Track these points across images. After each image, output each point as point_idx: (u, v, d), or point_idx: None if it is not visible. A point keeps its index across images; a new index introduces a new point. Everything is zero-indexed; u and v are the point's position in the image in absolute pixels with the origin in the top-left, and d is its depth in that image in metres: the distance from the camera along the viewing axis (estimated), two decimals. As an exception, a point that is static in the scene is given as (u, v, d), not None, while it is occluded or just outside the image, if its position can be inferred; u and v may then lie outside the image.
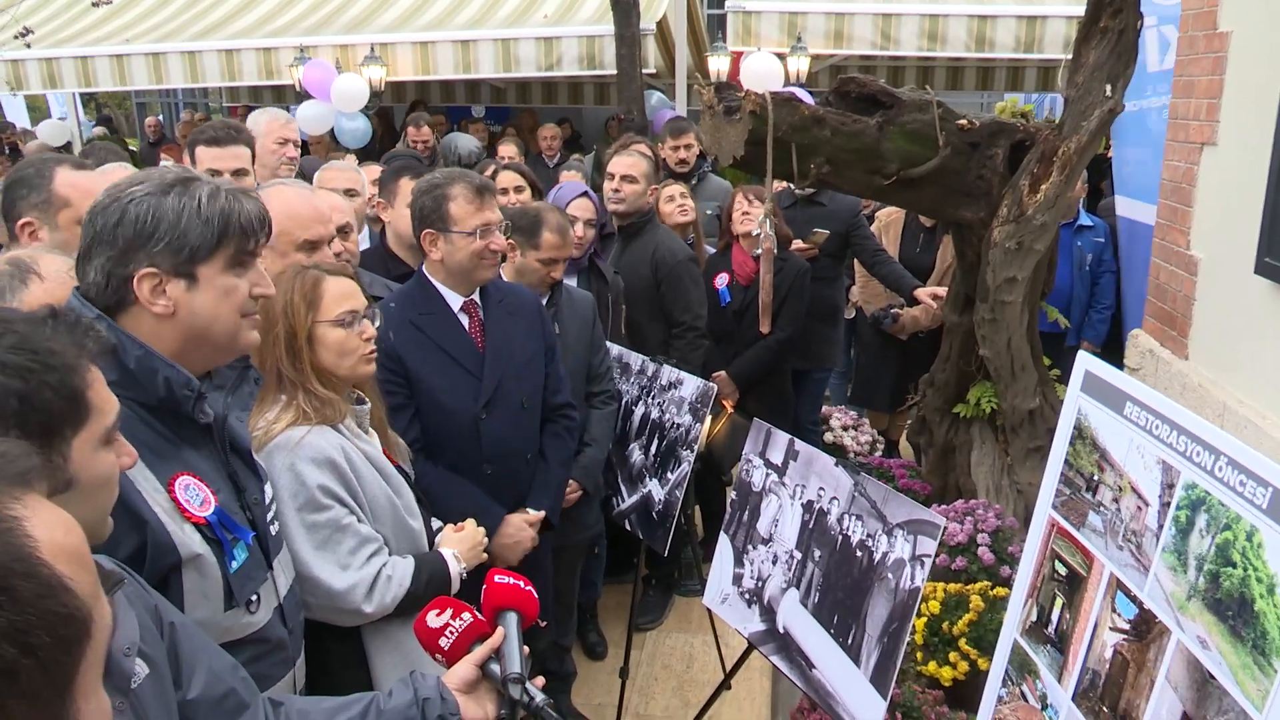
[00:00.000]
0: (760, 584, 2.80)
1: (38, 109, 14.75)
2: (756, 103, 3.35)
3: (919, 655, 3.68)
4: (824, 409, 5.76)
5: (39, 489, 0.81)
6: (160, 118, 14.60)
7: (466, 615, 1.60)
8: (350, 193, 3.44)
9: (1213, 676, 1.40)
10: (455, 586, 2.30)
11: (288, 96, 10.29)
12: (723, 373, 4.61)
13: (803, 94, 5.65)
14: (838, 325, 5.40)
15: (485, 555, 2.49)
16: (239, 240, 1.64)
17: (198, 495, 1.63)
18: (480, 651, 1.59)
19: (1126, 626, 1.63)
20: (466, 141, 6.83)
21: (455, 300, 2.92)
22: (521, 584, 1.67)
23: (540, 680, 1.62)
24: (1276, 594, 1.30)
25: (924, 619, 3.70)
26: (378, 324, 2.28)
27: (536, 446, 3.07)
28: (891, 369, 5.34)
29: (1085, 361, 1.85)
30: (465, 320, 2.94)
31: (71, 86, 9.70)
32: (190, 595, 1.59)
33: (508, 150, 7.26)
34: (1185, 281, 4.02)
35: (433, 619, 1.59)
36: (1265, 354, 3.32)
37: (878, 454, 5.63)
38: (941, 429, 4.60)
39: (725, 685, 3.88)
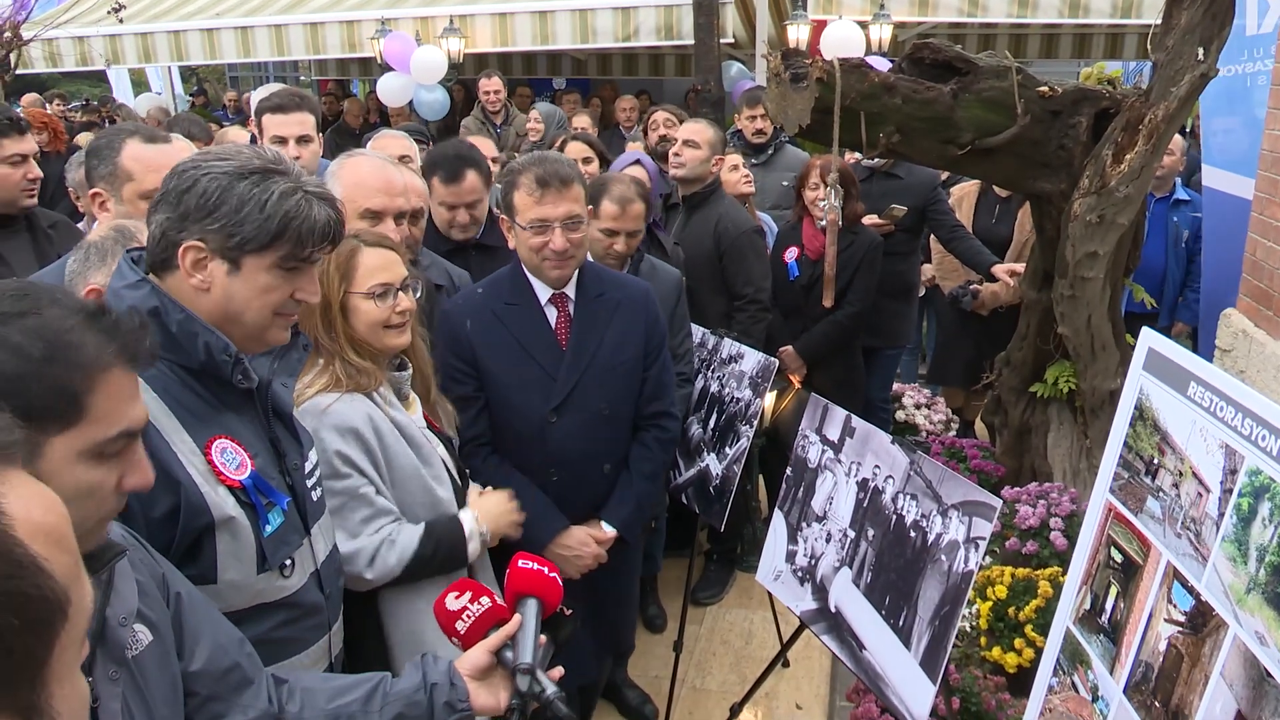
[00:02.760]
0: (813, 562, 2.75)
1: (140, 83, 15.23)
2: (824, 70, 3.26)
3: (983, 640, 3.58)
4: (896, 386, 5.63)
5: (19, 464, 0.78)
6: (246, 92, 14.97)
7: (486, 600, 1.57)
8: (404, 159, 3.44)
9: (1270, 675, 1.32)
10: (474, 547, 2.27)
11: (371, 69, 10.44)
12: (789, 348, 4.54)
13: (880, 62, 5.49)
14: (911, 302, 5.26)
15: (517, 530, 2.44)
16: (293, 245, 1.63)
17: (234, 459, 1.64)
18: (495, 638, 1.55)
19: (1182, 619, 1.55)
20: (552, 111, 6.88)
21: (544, 292, 2.73)
22: (546, 570, 1.63)
23: (557, 671, 1.57)
24: (1340, 590, 1.21)
25: (990, 603, 3.60)
26: (419, 296, 2.27)
27: (619, 456, 2.83)
28: (969, 346, 5.18)
29: (1149, 338, 1.75)
30: (553, 314, 2.74)
31: (165, 60, 9.99)
32: (223, 557, 1.60)
33: (581, 122, 7.25)
34: (1283, 258, 3.80)
35: (451, 601, 1.57)
36: (1365, 336, 3.12)
37: (952, 433, 5.49)
38: (1018, 409, 4.45)
39: (782, 663, 3.85)
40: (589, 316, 2.74)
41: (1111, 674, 1.72)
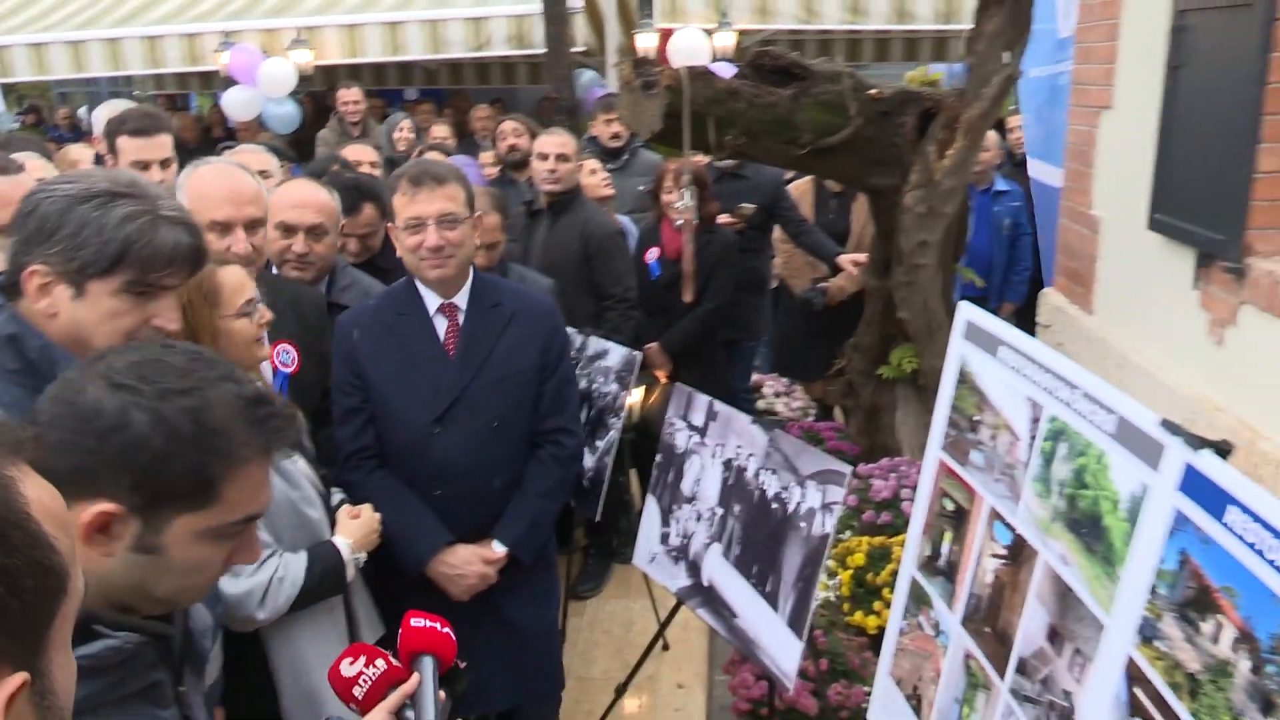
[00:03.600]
0: (686, 541, 2.92)
1: (-47, 103, 14.28)
2: (672, 77, 3.45)
3: (846, 606, 3.84)
4: (757, 377, 5.91)
5: (29, 461, 0.83)
6: (80, 108, 14.25)
7: (381, 662, 1.55)
8: (263, 174, 3.41)
9: (1071, 589, 1.54)
10: (351, 573, 2.28)
11: (212, 82, 10.14)
12: (654, 344, 4.72)
13: (725, 68, 5.75)
14: (764, 295, 5.54)
15: (378, 540, 2.42)
16: (138, 270, 1.59)
17: None
18: (393, 699, 1.53)
19: (1004, 552, 1.77)
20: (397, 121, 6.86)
21: (433, 301, 2.68)
22: (438, 626, 1.62)
23: None
24: (1119, 510, 1.44)
25: (850, 571, 3.86)
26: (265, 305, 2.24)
27: (512, 472, 2.72)
28: (810, 338, 5.48)
29: (965, 311, 1.98)
30: (442, 324, 2.69)
31: (-14, 77, 9.47)
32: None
33: (440, 132, 7.28)
34: (1089, 240, 4.21)
35: (346, 667, 1.54)
36: (1156, 306, 3.51)
37: (810, 418, 5.80)
38: (867, 391, 4.76)
39: (662, 645, 4.02)
40: (480, 326, 2.69)
41: (950, 609, 1.93)
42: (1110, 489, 1.46)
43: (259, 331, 2.20)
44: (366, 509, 2.41)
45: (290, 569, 2.14)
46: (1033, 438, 1.70)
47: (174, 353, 1.24)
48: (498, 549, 2.69)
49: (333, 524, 2.34)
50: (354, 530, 2.33)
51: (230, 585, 2.03)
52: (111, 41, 8.92)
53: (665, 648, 4.07)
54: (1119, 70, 3.90)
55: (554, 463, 2.78)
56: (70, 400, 1.17)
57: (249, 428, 1.20)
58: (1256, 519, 1.15)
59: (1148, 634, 1.34)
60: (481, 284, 2.75)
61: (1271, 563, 1.12)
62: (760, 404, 5.76)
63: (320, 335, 2.78)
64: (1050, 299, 4.66)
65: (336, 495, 2.48)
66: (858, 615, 3.71)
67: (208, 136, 9.73)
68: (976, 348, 1.92)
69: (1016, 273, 5.74)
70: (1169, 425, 1.33)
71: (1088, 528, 1.51)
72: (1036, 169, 5.34)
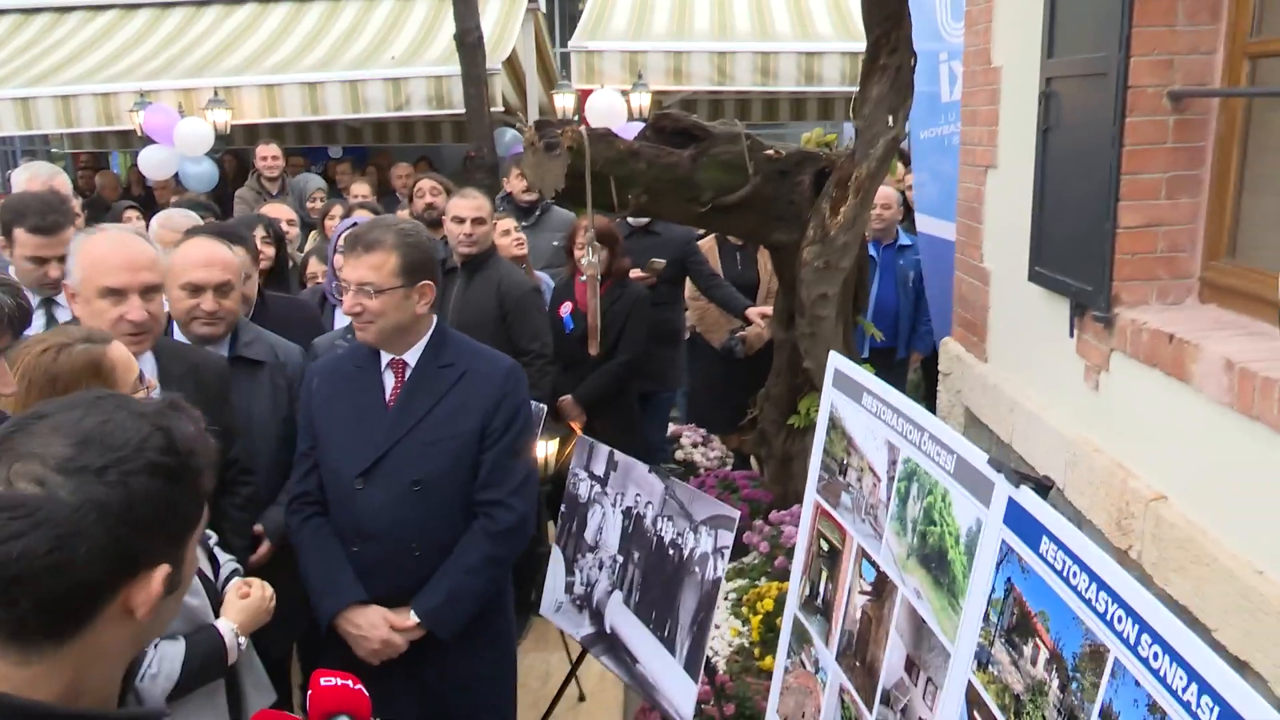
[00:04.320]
0: (589, 589, 2.97)
1: None
2: (574, 138, 3.57)
3: (757, 651, 3.91)
4: (675, 427, 6.01)
5: None
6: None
7: None
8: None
9: (925, 621, 1.64)
10: (233, 658, 2.19)
11: (131, 140, 10.06)
12: (568, 397, 4.80)
13: (635, 129, 5.92)
14: (678, 347, 5.66)
15: (268, 617, 2.32)
16: None
17: None
18: None
19: (869, 589, 1.86)
20: (312, 181, 6.88)
21: (386, 356, 2.67)
22: (350, 684, 1.60)
23: None
24: (960, 544, 1.55)
25: (760, 616, 3.94)
26: (155, 393, 2.19)
27: (435, 540, 2.61)
28: (727, 389, 5.61)
29: (834, 360, 2.09)
30: (390, 380, 2.67)
31: (-111, 136, 9.29)
32: None
33: (360, 190, 7.33)
34: (981, 291, 4.41)
35: None
36: (1039, 353, 3.70)
37: (727, 467, 5.91)
38: (779, 440, 4.88)
39: (579, 697, 4.03)
40: (423, 385, 2.63)
41: (827, 645, 2.02)
42: (953, 524, 1.57)
43: None
44: (257, 586, 2.31)
45: (165, 663, 2.03)
46: (891, 479, 1.81)
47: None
48: (411, 618, 2.58)
49: (219, 601, 2.25)
50: (241, 610, 2.23)
51: None
52: (23, 100, 8.82)
53: (581, 698, 4.09)
54: (1001, 132, 4.14)
55: (484, 536, 2.63)
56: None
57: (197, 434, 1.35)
58: (1063, 548, 1.26)
59: (982, 659, 1.43)
60: (440, 341, 2.69)
61: (1074, 588, 1.23)
62: (679, 454, 5.85)
63: (221, 404, 2.74)
64: (949, 348, 4.85)
65: (229, 565, 2.41)
66: (768, 660, 3.78)
67: (128, 194, 9.64)
68: (844, 395, 2.03)
69: (923, 323, 5.96)
70: (994, 463, 1.44)
71: (936, 562, 1.62)
72: (927, 224, 5.60)
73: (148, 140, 8.76)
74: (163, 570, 1.04)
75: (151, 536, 1.02)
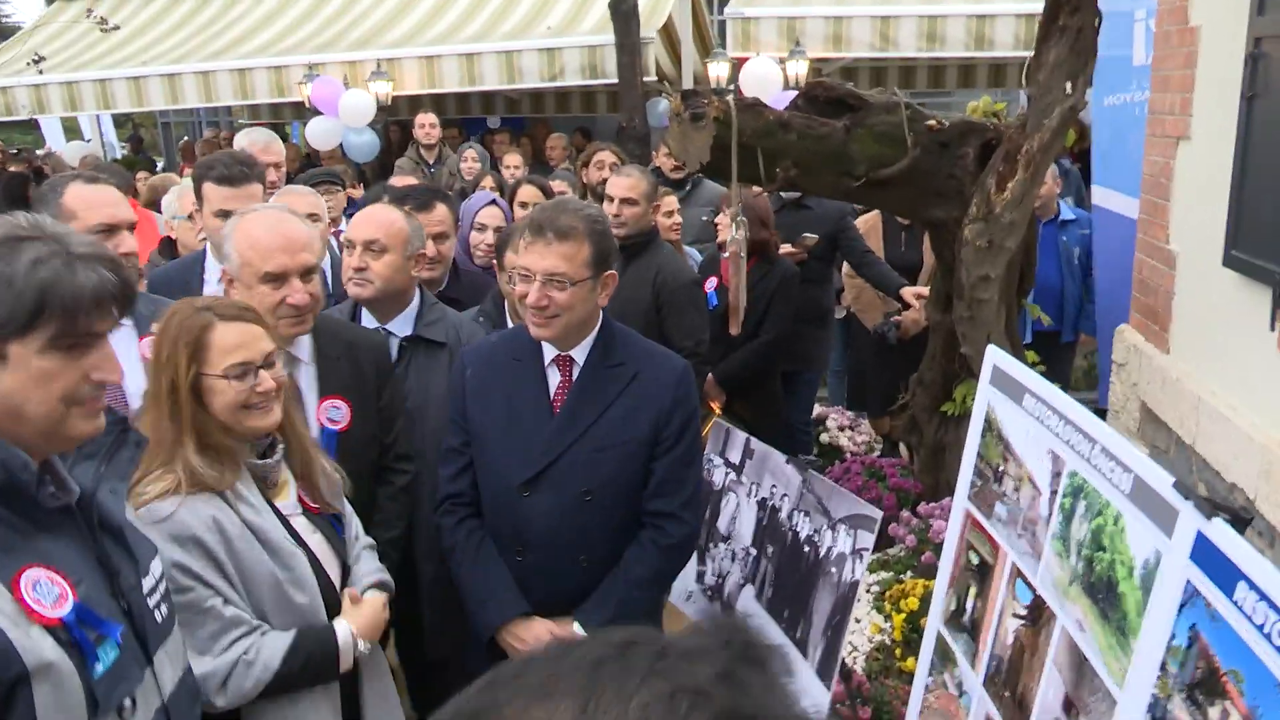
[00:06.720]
0: (721, 580, 2.86)
1: (73, 129, 15.09)
2: (720, 109, 3.41)
3: (898, 651, 3.71)
4: (821, 409, 5.79)
5: None
6: (182, 138, 14.91)
7: None
8: (312, 217, 3.20)
9: (1087, 658, 1.45)
10: (347, 664, 2.08)
11: (304, 112, 10.51)
12: (709, 375, 4.66)
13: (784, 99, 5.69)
14: (827, 327, 5.44)
15: (385, 626, 2.23)
16: (63, 319, 1.39)
17: (50, 591, 1.39)
18: None
19: (1024, 613, 1.67)
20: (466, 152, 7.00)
21: (550, 351, 2.45)
22: None
23: None
24: (1134, 577, 1.35)
25: (904, 615, 3.73)
26: (288, 372, 2.10)
27: (604, 551, 2.45)
28: (880, 372, 5.36)
29: (993, 355, 1.90)
30: (555, 377, 2.46)
31: (92, 109, 9.98)
32: (44, 711, 1.34)
33: (513, 160, 7.37)
34: (1166, 276, 4.02)
35: None
36: (1233, 346, 3.33)
37: (875, 453, 5.65)
38: (931, 428, 4.61)
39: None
40: (593, 386, 2.43)
41: (973, 668, 1.84)
42: (1126, 553, 1.37)
43: (251, 398, 2.00)
44: (371, 595, 2.22)
45: (264, 651, 1.96)
46: (1054, 493, 1.61)
47: None
48: (578, 631, 2.41)
49: (332, 605, 2.14)
50: (359, 614, 2.14)
51: (194, 664, 1.83)
52: (204, 74, 9.30)
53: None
54: (1196, 100, 3.74)
55: (654, 550, 2.45)
56: None
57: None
58: (1265, 599, 1.06)
59: (1157, 714, 1.24)
60: (609, 337, 2.48)
61: (1278, 648, 1.02)
62: (824, 437, 5.63)
63: (377, 387, 2.64)
64: (1126, 336, 4.47)
65: (372, 575, 2.28)
66: (910, 662, 3.57)
67: (310, 162, 10.07)
68: (1002, 394, 1.83)
69: (1093, 303, 5.52)
70: (1182, 488, 1.24)
71: (1103, 593, 1.42)
72: (1105, 197, 5.16)
73: (313, 111, 9.10)
74: None
75: None
